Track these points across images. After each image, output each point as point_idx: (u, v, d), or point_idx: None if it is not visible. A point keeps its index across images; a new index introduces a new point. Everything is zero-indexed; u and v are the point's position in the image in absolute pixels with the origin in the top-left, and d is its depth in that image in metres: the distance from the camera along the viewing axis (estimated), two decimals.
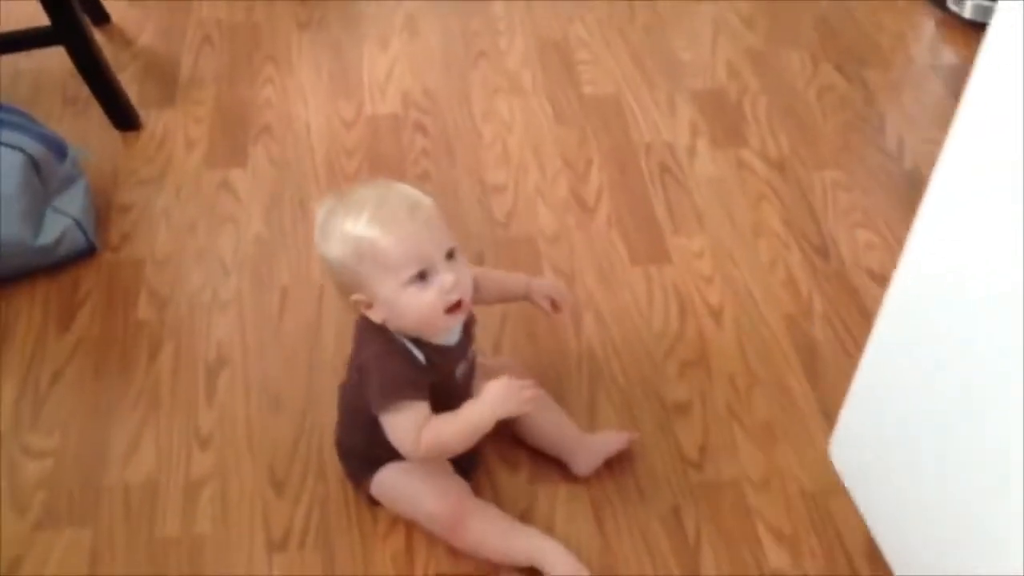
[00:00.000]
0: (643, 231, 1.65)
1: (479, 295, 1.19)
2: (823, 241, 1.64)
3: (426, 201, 1.11)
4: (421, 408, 1.10)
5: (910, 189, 1.75)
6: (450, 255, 1.09)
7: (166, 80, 1.95)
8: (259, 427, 1.35)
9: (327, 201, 1.12)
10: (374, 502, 1.24)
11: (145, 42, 2.06)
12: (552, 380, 1.40)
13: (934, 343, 1.02)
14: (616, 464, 1.30)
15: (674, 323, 1.50)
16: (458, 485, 1.19)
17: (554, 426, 1.30)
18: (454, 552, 1.20)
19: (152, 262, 1.58)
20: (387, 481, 1.20)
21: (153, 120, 1.85)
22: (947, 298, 0.99)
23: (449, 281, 1.08)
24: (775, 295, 1.55)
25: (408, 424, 1.10)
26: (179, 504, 1.26)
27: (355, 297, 1.10)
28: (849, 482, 1.21)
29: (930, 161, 1.79)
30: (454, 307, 1.09)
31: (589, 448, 1.28)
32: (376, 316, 1.10)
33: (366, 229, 1.06)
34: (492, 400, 1.09)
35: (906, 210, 1.69)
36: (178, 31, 2.09)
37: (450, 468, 1.20)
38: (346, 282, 1.10)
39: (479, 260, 1.58)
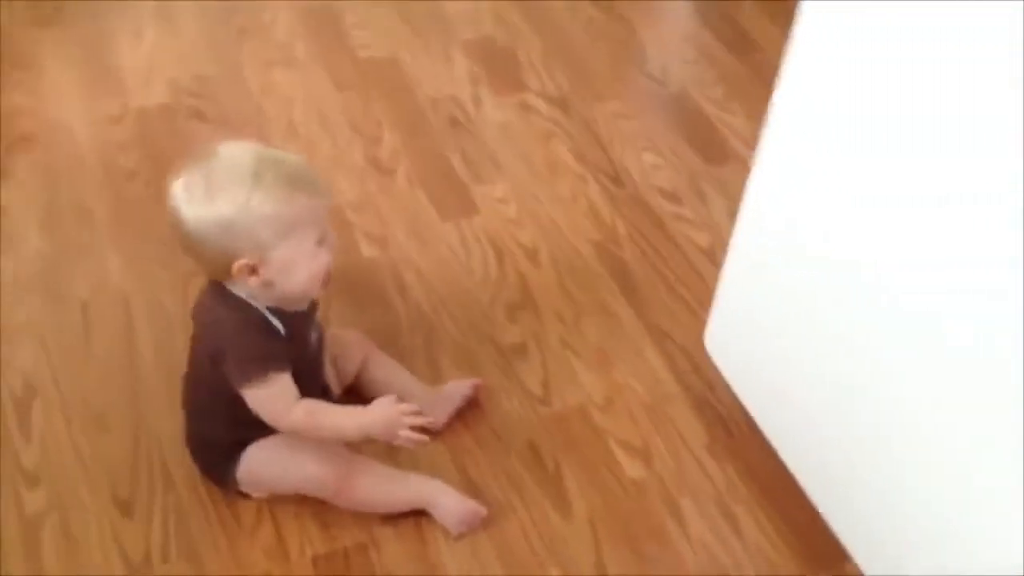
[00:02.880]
0: (445, 185, 1.67)
1: None
2: (615, 169, 1.72)
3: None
4: (286, 379, 1.10)
5: (680, 109, 1.86)
6: None
7: None
8: (89, 451, 1.27)
9: (196, 166, 1.05)
10: (240, 494, 1.21)
11: None
12: (387, 343, 1.39)
13: (793, 229, 1.11)
14: (468, 414, 1.32)
15: (494, 269, 1.54)
16: (335, 445, 1.18)
17: (400, 386, 1.30)
18: (326, 529, 1.20)
19: None
20: (258, 459, 1.17)
21: None
22: (805, 180, 1.07)
23: (333, 249, 1.11)
24: (581, 226, 1.61)
25: (277, 395, 1.09)
26: (19, 549, 1.17)
27: (241, 262, 1.05)
28: (726, 371, 1.29)
29: (693, 81, 1.93)
30: (327, 278, 1.12)
31: (438, 401, 1.30)
32: (253, 282, 1.07)
33: (278, 188, 1.04)
34: (372, 420, 1.11)
35: (680, 129, 1.81)
36: None
37: None
38: (230, 245, 1.05)
39: None
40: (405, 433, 1.11)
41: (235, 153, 1.07)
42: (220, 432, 1.17)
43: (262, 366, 1.08)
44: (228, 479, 1.19)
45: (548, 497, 1.25)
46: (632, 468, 1.28)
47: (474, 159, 1.71)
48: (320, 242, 1.09)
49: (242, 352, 1.08)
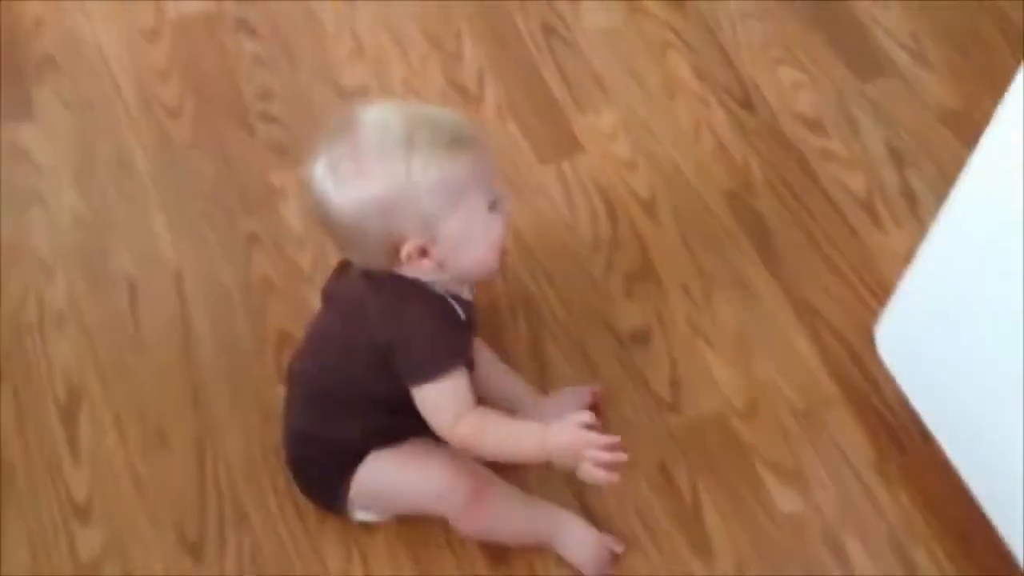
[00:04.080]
0: (543, 116, 1.40)
1: None
2: (745, 89, 1.42)
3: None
4: (466, 378, 0.95)
5: (821, 4, 1.52)
6: None
7: None
8: (147, 475, 1.10)
9: (336, 140, 0.91)
10: (342, 517, 1.05)
11: None
12: (483, 328, 1.17)
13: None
14: None
15: (605, 227, 1.29)
16: (467, 457, 1.00)
17: (506, 398, 1.10)
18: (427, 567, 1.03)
19: None
20: (378, 469, 1.01)
21: None
22: None
23: (508, 212, 0.97)
24: (707, 168, 1.34)
25: (453, 397, 0.95)
26: None
27: (410, 244, 0.91)
28: (903, 377, 1.07)
29: None
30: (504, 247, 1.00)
31: (550, 414, 1.09)
32: (426, 265, 0.93)
33: (438, 150, 0.90)
34: (560, 444, 0.92)
35: (823, 31, 1.49)
36: None
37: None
38: (394, 227, 0.91)
39: None
40: (591, 469, 0.91)
41: (379, 117, 0.92)
42: (348, 437, 1.01)
43: (445, 362, 0.94)
44: (338, 495, 1.03)
45: (684, 533, 1.05)
46: (785, 499, 1.07)
47: (575, 80, 1.43)
48: (492, 206, 0.94)
49: (427, 345, 0.94)
